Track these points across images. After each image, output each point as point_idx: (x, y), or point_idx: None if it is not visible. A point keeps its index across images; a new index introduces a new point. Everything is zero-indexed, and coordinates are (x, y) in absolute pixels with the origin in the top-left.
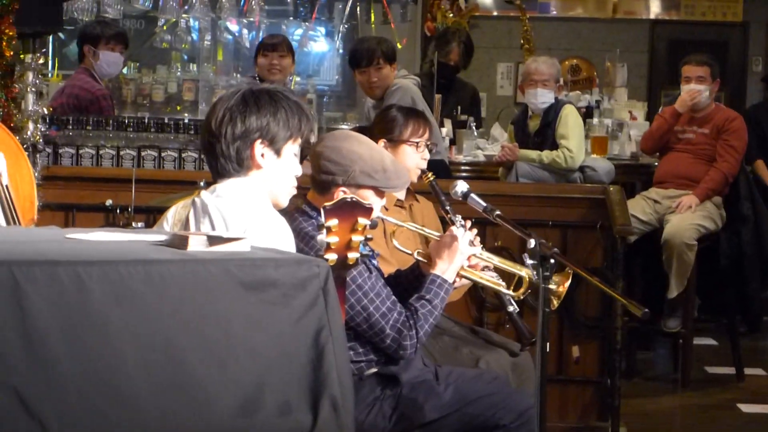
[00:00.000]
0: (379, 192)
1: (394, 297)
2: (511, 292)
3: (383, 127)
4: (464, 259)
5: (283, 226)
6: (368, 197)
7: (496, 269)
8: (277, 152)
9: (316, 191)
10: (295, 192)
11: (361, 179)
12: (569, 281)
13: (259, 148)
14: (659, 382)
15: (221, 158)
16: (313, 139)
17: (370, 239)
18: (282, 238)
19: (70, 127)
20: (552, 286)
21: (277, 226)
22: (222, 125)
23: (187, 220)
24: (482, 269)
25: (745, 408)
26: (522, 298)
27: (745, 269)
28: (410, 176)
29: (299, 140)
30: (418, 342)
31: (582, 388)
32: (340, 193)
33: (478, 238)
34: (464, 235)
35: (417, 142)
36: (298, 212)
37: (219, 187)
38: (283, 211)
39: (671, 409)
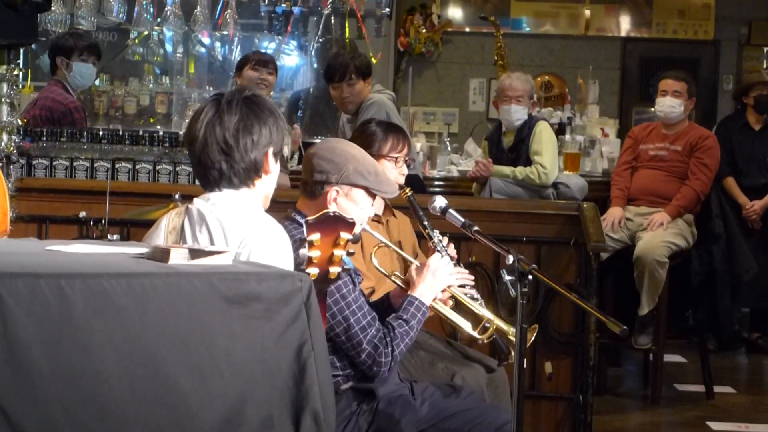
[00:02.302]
0: (371, 194)
1: (374, 313)
2: (476, 335)
3: (363, 141)
4: (443, 287)
5: (282, 234)
6: (360, 198)
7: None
8: (275, 158)
9: (307, 196)
10: None
11: (354, 178)
12: (534, 336)
13: (270, 156)
14: (630, 398)
15: (236, 168)
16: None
17: (352, 254)
18: (281, 247)
19: (44, 138)
20: (513, 338)
21: (276, 236)
22: (239, 134)
23: (183, 229)
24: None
25: (715, 426)
26: (486, 342)
27: (716, 287)
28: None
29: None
30: (393, 360)
31: (554, 404)
32: (333, 193)
33: (455, 254)
34: (447, 263)
35: (396, 158)
36: (288, 220)
37: (213, 196)
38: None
39: (641, 426)
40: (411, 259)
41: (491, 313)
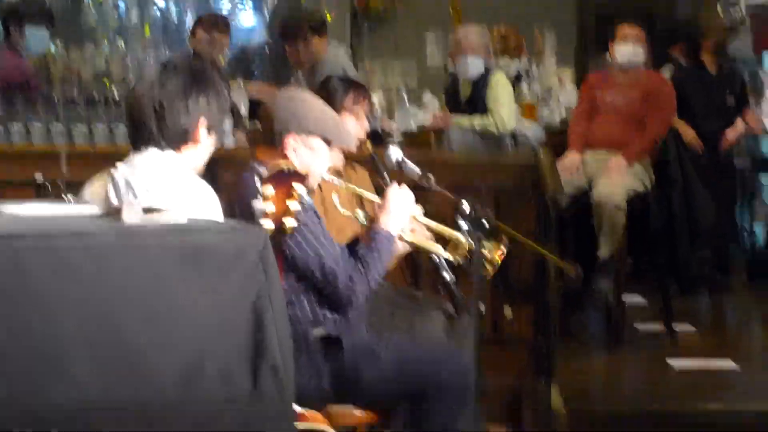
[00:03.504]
0: (328, 142)
1: (344, 246)
2: (449, 256)
3: (324, 96)
4: (407, 215)
5: (210, 193)
6: (318, 147)
7: (434, 234)
8: (209, 131)
9: (266, 144)
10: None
11: (313, 127)
12: (504, 248)
13: (202, 126)
14: (592, 341)
15: (165, 129)
16: (237, 95)
17: (311, 191)
18: (209, 206)
19: None
20: (485, 252)
21: (203, 194)
22: (174, 97)
23: (107, 196)
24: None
25: (675, 363)
26: (460, 261)
27: (675, 232)
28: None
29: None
30: (368, 289)
31: (517, 349)
32: (292, 141)
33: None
34: (407, 192)
35: (358, 111)
36: (248, 172)
37: (138, 158)
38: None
39: (604, 367)
40: (373, 197)
41: (458, 233)
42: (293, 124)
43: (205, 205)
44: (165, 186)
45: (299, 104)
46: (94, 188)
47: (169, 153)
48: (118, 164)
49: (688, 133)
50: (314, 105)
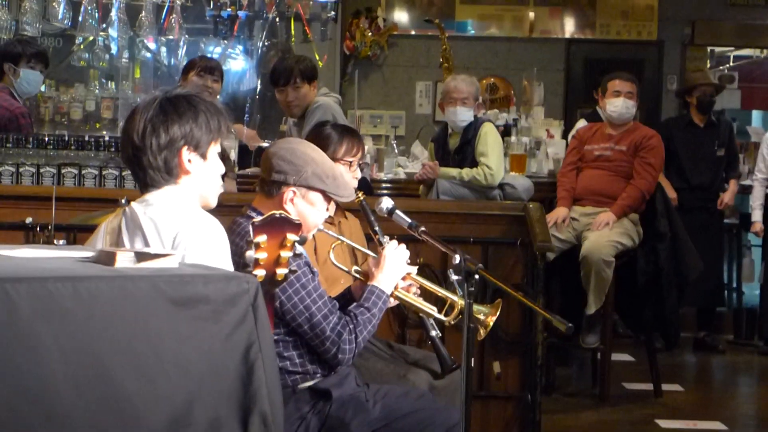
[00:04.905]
0: (327, 197)
1: (335, 302)
2: (442, 317)
3: (318, 143)
4: (402, 275)
5: (217, 228)
6: (317, 201)
7: (426, 291)
8: (203, 156)
9: (264, 194)
10: (222, 190)
11: (312, 181)
12: (498, 313)
13: (186, 154)
14: (578, 397)
15: (149, 170)
16: (228, 140)
17: (299, 255)
18: (216, 240)
19: None
20: (480, 317)
21: (210, 229)
22: (145, 137)
23: (120, 230)
24: (414, 293)
25: (663, 423)
26: (453, 323)
27: (662, 286)
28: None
29: (220, 140)
30: (357, 347)
31: (503, 404)
32: (290, 194)
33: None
34: (403, 251)
35: (351, 161)
36: (243, 217)
37: (149, 197)
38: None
39: (591, 425)
40: (369, 252)
41: (453, 293)
42: (293, 177)
43: (213, 241)
44: (171, 222)
45: (299, 156)
46: (110, 221)
47: (170, 189)
48: (133, 202)
49: (672, 194)
50: (314, 158)
